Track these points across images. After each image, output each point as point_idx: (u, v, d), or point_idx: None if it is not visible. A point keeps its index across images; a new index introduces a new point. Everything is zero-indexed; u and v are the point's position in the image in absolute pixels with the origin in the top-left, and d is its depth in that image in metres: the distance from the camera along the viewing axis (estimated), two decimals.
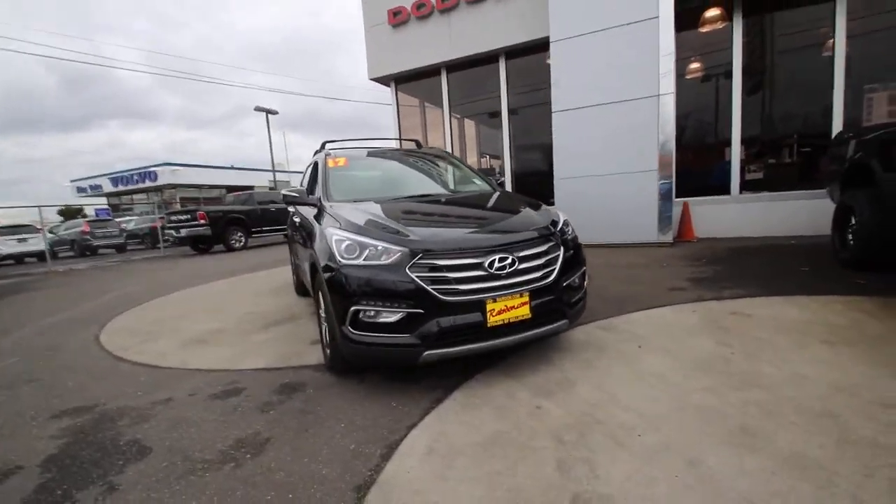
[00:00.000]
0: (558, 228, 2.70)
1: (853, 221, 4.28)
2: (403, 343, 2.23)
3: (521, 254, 2.39)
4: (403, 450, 1.88)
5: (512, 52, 7.97)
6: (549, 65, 7.54)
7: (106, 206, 29.67)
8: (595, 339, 2.97)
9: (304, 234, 3.43)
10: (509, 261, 2.33)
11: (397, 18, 8.44)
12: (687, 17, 6.68)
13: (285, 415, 2.28)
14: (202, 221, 11.79)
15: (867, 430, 1.75)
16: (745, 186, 6.77)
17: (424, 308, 2.20)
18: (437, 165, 4.07)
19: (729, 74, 6.63)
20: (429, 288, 2.20)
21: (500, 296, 2.29)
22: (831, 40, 6.05)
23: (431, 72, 8.72)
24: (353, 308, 2.26)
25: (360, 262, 2.30)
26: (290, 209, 4.81)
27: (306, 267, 3.37)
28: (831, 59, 6.06)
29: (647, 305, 3.60)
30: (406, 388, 2.46)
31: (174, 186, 28.41)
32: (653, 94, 6.25)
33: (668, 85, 6.17)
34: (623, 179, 6.51)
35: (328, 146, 4.26)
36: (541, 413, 2.10)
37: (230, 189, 31.09)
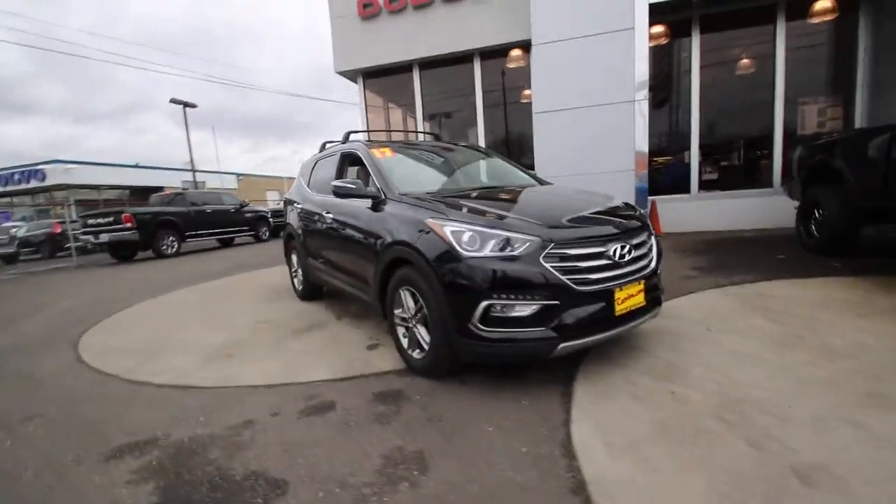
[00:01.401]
0: (642, 215, 2.76)
1: (817, 214, 4.94)
2: (538, 336, 2.12)
3: (634, 241, 2.41)
4: (581, 447, 1.78)
5: (487, 54, 8.06)
6: (526, 67, 7.76)
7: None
8: (662, 326, 3.07)
9: (356, 231, 3.13)
10: (627, 249, 2.34)
11: (368, 11, 8.12)
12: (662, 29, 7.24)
13: (414, 424, 2.05)
14: (129, 225, 10.33)
15: None
16: (703, 186, 7.50)
17: (560, 299, 2.12)
18: (479, 157, 3.95)
19: (689, 85, 7.31)
20: (564, 278, 2.12)
21: (624, 284, 2.28)
22: (772, 58, 6.94)
23: (403, 68, 8.51)
24: (484, 303, 2.10)
25: (487, 253, 2.15)
26: (297, 206, 4.39)
27: (361, 266, 3.09)
28: (773, 75, 6.94)
29: (678, 293, 3.81)
30: (520, 386, 2.35)
31: (67, 187, 24.52)
32: (630, 99, 6.69)
33: (643, 91, 6.64)
34: (602, 178, 6.86)
35: (352, 136, 3.95)
36: (681, 397, 2.12)
37: (135, 190, 27.68)
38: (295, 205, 4.49)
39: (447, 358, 2.37)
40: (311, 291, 4.52)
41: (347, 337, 3.39)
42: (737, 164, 7.56)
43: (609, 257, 2.26)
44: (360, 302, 3.30)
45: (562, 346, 2.14)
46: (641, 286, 2.36)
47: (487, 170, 3.76)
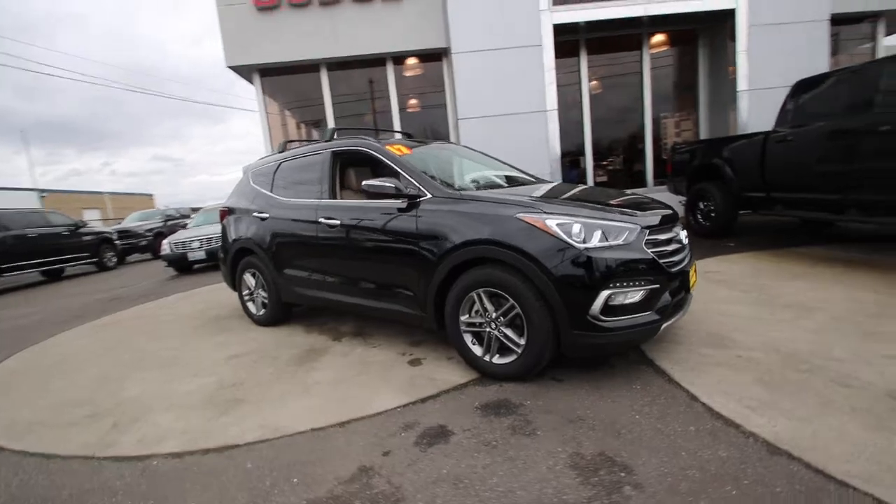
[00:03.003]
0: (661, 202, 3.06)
1: (702, 206, 6.11)
2: (647, 320, 2.20)
3: (682, 225, 2.66)
4: (734, 415, 1.88)
5: (401, 59, 7.95)
6: (441, 74, 7.91)
7: None
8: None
9: (388, 236, 2.80)
10: (684, 232, 2.58)
11: (265, 1, 7.28)
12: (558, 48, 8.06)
13: (559, 429, 1.92)
14: None
15: None
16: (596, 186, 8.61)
17: (660, 282, 2.23)
18: (467, 153, 3.84)
19: (581, 99, 8.33)
20: (661, 262, 2.24)
21: (690, 263, 2.51)
22: (640, 79, 8.35)
23: (308, 67, 7.85)
24: (605, 293, 2.09)
25: (597, 244, 2.15)
26: (258, 216, 3.72)
27: (397, 274, 2.78)
28: (642, 93, 8.35)
29: None
30: (612, 375, 2.39)
31: None
32: (542, 109, 7.33)
33: (552, 102, 7.35)
34: None
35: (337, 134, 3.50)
36: (749, 359, 2.40)
37: None
38: (253, 215, 3.78)
39: (547, 357, 2.28)
40: (279, 314, 3.85)
41: (374, 357, 2.99)
42: (620, 168, 8.87)
43: (679, 241, 2.46)
44: (369, 317, 2.95)
45: (663, 326, 2.25)
46: (695, 266, 2.63)
47: (484, 163, 3.69)
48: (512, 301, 2.29)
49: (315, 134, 9.03)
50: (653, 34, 8.24)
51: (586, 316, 2.12)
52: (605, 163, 8.80)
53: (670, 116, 8.62)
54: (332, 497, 1.65)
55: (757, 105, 7.34)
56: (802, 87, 4.86)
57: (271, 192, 3.74)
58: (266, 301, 3.85)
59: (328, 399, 2.47)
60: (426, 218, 2.60)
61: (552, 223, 2.19)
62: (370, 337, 3.40)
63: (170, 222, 13.53)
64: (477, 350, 2.49)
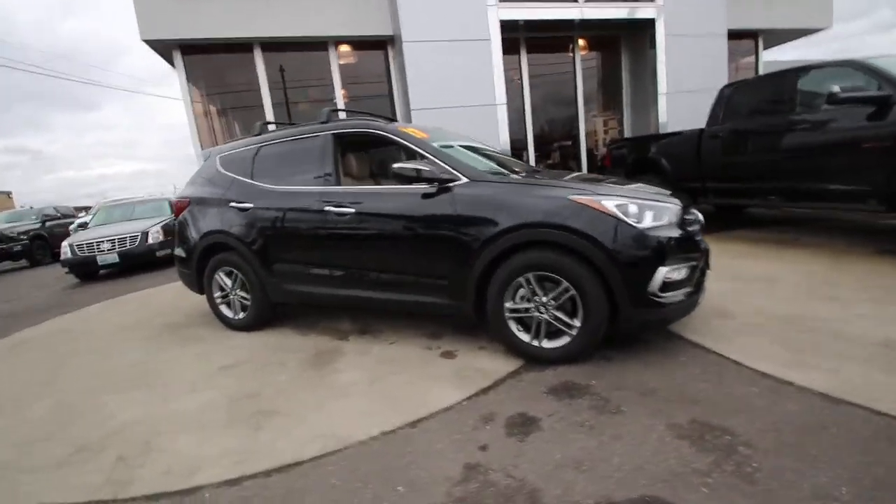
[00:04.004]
0: None
1: None
2: (690, 294, 2.36)
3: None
4: (784, 375, 2.08)
5: (344, 43, 7.54)
6: (386, 62, 7.69)
7: None
8: None
9: (418, 224, 2.64)
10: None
11: None
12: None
13: (642, 403, 1.98)
14: None
15: None
16: None
17: (697, 259, 2.40)
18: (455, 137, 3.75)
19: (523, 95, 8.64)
20: (696, 238, 2.42)
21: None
22: (574, 80, 8.91)
23: (239, 46, 7.09)
24: (663, 269, 2.19)
25: (651, 223, 2.25)
26: (238, 206, 3.29)
27: (426, 264, 2.65)
28: (575, 93, 8.92)
29: None
30: (652, 350, 2.52)
31: None
32: (493, 102, 7.48)
33: (501, 96, 7.53)
34: None
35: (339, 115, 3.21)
36: (763, 326, 2.70)
37: None
38: (230, 205, 3.31)
39: (600, 336, 2.34)
40: (265, 316, 3.44)
41: (398, 354, 2.81)
42: (557, 162, 9.39)
43: (699, 220, 2.67)
44: (369, 313, 2.80)
45: (700, 300, 2.43)
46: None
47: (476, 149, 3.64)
48: (566, 283, 2.30)
49: (238, 128, 8.20)
50: (582, 38, 8.83)
51: (646, 293, 2.20)
52: (546, 156, 9.25)
53: (599, 115, 9.33)
54: (455, 500, 1.51)
55: (674, 106, 8.25)
56: (729, 91, 5.56)
57: (252, 179, 3.32)
58: (248, 302, 3.41)
59: (374, 400, 2.27)
60: (466, 202, 2.50)
61: (609, 204, 2.24)
62: (379, 333, 3.19)
63: (49, 223, 11.37)
64: (524, 336, 2.47)
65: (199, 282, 3.61)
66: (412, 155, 2.76)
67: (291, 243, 3.13)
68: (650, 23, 8.14)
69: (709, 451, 1.62)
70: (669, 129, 7.82)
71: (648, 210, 2.28)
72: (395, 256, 2.79)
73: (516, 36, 8.36)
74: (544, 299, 2.38)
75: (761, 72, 9.73)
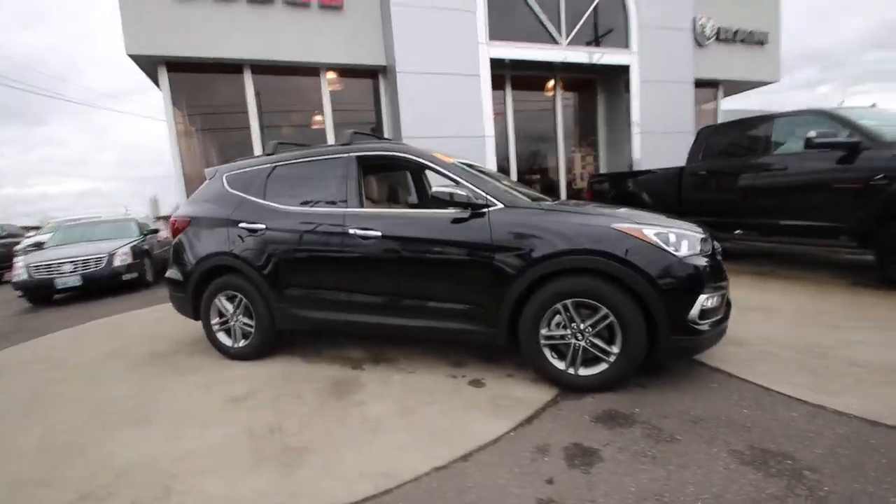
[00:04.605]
0: None
1: None
2: (721, 321, 2.42)
3: None
4: (813, 398, 2.16)
5: (336, 71, 7.57)
6: (377, 92, 7.78)
7: None
8: None
9: (453, 248, 2.60)
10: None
11: None
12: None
13: (707, 432, 1.97)
14: None
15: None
16: None
17: (726, 287, 2.49)
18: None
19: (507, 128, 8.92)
20: (723, 267, 2.51)
21: None
22: (554, 116, 9.31)
23: (228, 67, 6.96)
24: (702, 297, 2.25)
25: (687, 252, 2.31)
26: (249, 227, 3.13)
27: (457, 289, 2.60)
28: (555, 128, 9.31)
29: None
30: (677, 376, 2.56)
31: None
32: (482, 134, 7.67)
33: (490, 129, 7.74)
34: None
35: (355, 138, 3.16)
36: (775, 354, 2.80)
37: None
38: (240, 226, 3.15)
39: (637, 364, 2.34)
40: (270, 344, 3.24)
41: (423, 384, 2.69)
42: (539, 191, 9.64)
43: (719, 250, 2.78)
44: (380, 339, 2.74)
45: (726, 328, 2.50)
46: None
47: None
48: (605, 310, 2.31)
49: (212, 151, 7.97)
50: (563, 78, 9.31)
51: (686, 321, 2.24)
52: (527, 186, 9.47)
53: (577, 151, 9.75)
54: None
55: (647, 145, 8.75)
56: (706, 132, 5.98)
57: (264, 199, 3.18)
58: (250, 329, 3.20)
59: (412, 434, 2.15)
60: (504, 228, 2.49)
61: (650, 233, 2.30)
62: (395, 362, 3.07)
63: None
64: (559, 364, 2.44)
65: (196, 306, 3.37)
66: (446, 179, 2.74)
67: (308, 267, 3.00)
68: (626, 69, 8.70)
69: (777, 477, 1.63)
70: (643, 166, 8.27)
71: (685, 239, 2.35)
72: (423, 281, 2.72)
73: (502, 73, 8.69)
74: (582, 326, 2.37)
75: (720, 117, 10.54)
